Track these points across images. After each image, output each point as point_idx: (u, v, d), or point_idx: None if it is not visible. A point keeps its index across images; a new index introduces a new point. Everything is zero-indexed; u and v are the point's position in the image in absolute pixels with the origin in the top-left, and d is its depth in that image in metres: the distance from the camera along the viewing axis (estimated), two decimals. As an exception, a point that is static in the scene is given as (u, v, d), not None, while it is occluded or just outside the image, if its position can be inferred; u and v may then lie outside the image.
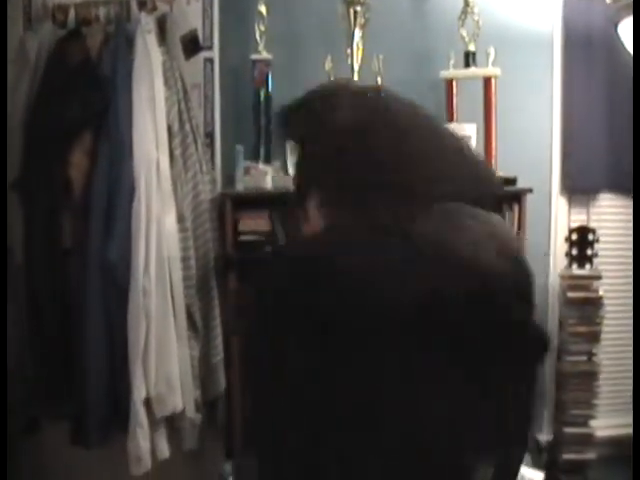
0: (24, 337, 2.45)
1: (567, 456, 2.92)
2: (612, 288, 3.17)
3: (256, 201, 2.63)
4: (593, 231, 2.91)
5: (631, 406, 3.01)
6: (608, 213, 3.22)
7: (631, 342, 3.18)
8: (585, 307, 2.89)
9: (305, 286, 1.08)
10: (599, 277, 2.92)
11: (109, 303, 2.37)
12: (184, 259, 2.44)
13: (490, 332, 1.06)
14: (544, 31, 3.08)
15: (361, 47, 2.80)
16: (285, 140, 2.69)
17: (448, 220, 1.11)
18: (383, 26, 2.86)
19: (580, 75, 3.07)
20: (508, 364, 1.11)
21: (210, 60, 2.85)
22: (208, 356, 2.55)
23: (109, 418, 2.36)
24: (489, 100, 2.83)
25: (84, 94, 2.48)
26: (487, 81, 2.83)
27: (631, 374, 3.02)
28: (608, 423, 3.19)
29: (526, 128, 3.04)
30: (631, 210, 3.22)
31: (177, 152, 2.50)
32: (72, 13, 2.63)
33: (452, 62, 2.88)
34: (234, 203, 2.60)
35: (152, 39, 2.53)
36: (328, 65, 2.75)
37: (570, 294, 2.89)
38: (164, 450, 2.37)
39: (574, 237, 2.91)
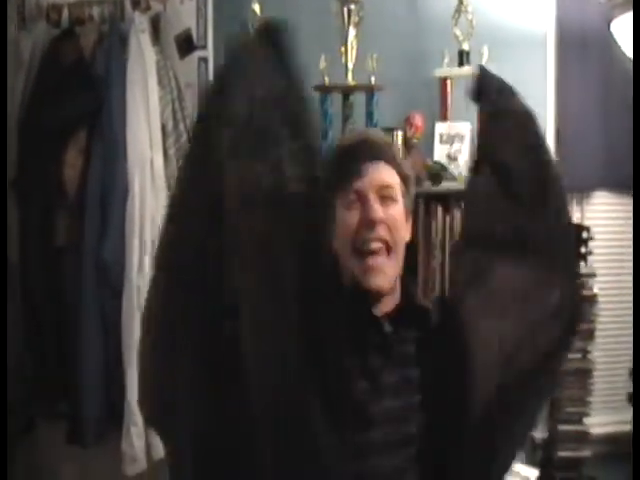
0: (20, 336, 2.45)
1: (562, 453, 2.92)
2: (606, 286, 3.18)
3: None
4: (587, 229, 2.92)
5: (626, 403, 3.03)
6: (602, 211, 3.23)
7: (626, 339, 3.19)
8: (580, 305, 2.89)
9: None
10: (593, 275, 2.92)
11: (103, 302, 2.38)
12: (178, 258, 2.44)
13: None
14: (538, 30, 3.09)
15: (355, 46, 2.80)
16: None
17: None
18: (377, 25, 2.86)
19: (574, 74, 3.08)
20: None
21: (204, 59, 2.85)
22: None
23: (104, 417, 2.37)
24: (483, 98, 2.83)
25: (78, 94, 2.49)
26: (481, 80, 2.83)
27: (625, 372, 3.04)
28: (603, 420, 3.20)
29: (520, 127, 3.04)
30: (625, 207, 3.23)
31: (171, 151, 2.51)
32: (66, 13, 2.64)
33: (446, 61, 2.88)
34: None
35: (146, 39, 2.54)
36: (322, 64, 2.74)
37: (564, 292, 2.90)
38: (159, 450, 2.37)
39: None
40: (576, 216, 3.15)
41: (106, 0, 2.62)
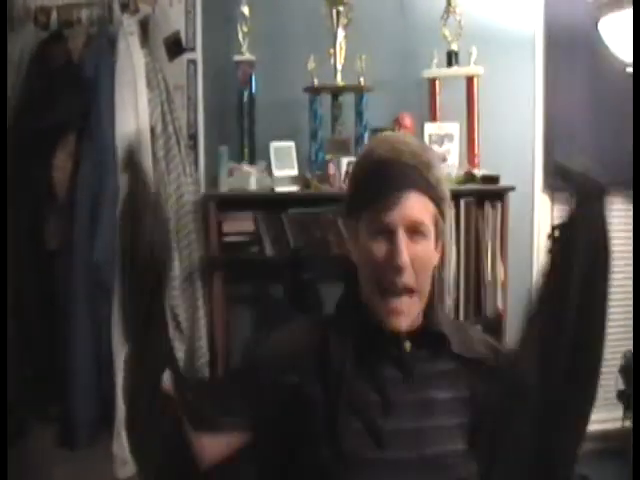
0: (11, 338, 2.45)
1: (552, 451, 2.93)
2: (595, 284, 3.19)
3: (240, 202, 2.63)
4: (576, 228, 2.93)
5: (616, 401, 3.04)
6: (591, 210, 3.24)
7: (615, 337, 3.19)
8: (568, 304, 2.90)
9: None
10: (582, 273, 2.93)
11: (94, 304, 2.37)
12: (168, 260, 2.44)
13: None
14: (526, 30, 3.10)
15: (344, 47, 2.81)
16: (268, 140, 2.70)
17: None
18: (366, 26, 2.86)
19: (562, 73, 3.08)
20: None
21: (193, 61, 2.85)
22: (193, 358, 2.55)
23: (95, 420, 2.36)
24: (471, 99, 2.84)
25: (67, 96, 2.49)
26: (470, 80, 2.85)
27: (615, 369, 3.05)
28: (593, 418, 3.20)
29: (509, 126, 3.06)
30: (616, 207, 3.25)
31: (160, 154, 2.52)
32: (54, 15, 2.63)
33: (435, 61, 2.90)
34: (218, 204, 2.60)
35: (134, 41, 2.54)
36: (311, 65, 2.75)
37: (553, 291, 2.91)
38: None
39: (556, 234, 2.92)
40: (564, 215, 3.16)
41: (94, 2, 2.60)
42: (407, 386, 1.19)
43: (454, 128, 2.83)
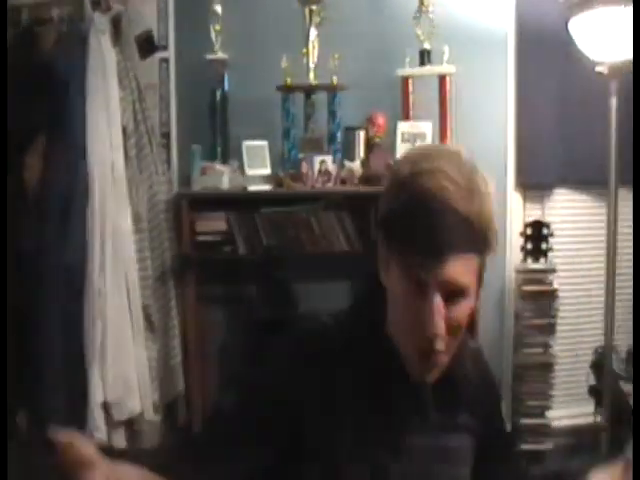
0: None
1: (525, 446, 2.96)
2: (566, 281, 3.23)
3: (213, 201, 2.63)
4: (547, 225, 2.96)
5: (587, 396, 3.08)
6: (562, 208, 3.27)
7: (586, 333, 3.26)
8: (540, 300, 2.93)
9: None
10: (554, 270, 2.97)
11: (65, 305, 2.36)
12: (140, 260, 2.44)
13: None
14: (498, 29, 3.11)
15: (317, 46, 2.81)
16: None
17: None
18: (339, 25, 2.87)
19: (534, 72, 3.10)
20: None
21: (165, 60, 2.85)
22: (166, 357, 2.55)
23: (66, 421, 2.34)
24: (444, 97, 2.86)
25: (37, 95, 2.47)
26: (442, 79, 2.86)
27: (586, 365, 3.09)
28: (564, 413, 3.25)
29: (481, 125, 3.07)
30: (585, 204, 3.28)
31: (132, 153, 2.51)
32: (25, 13, 2.61)
33: (408, 60, 2.90)
34: (191, 203, 2.59)
35: (106, 39, 2.52)
36: (284, 64, 2.75)
37: (525, 288, 2.94)
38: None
39: (529, 232, 2.96)
40: (536, 213, 3.19)
41: (66, 1, 2.59)
42: (421, 432, 1.11)
43: (427, 127, 2.85)
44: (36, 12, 2.61)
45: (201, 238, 2.60)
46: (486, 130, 3.09)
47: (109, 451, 0.91)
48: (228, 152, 2.75)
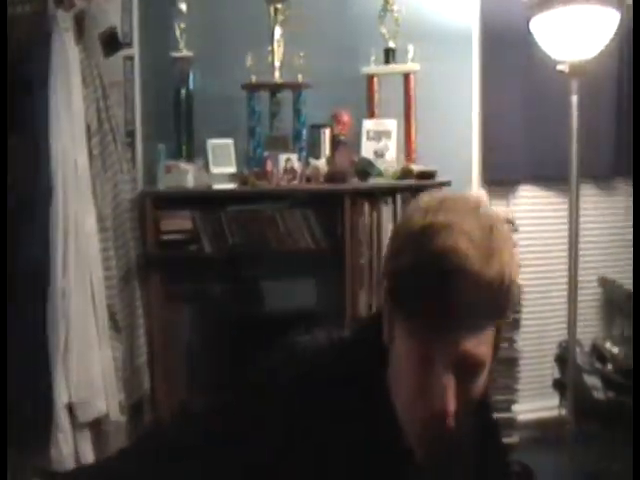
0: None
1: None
2: (531, 276, 3.27)
3: (178, 200, 2.62)
4: (512, 222, 2.99)
5: (551, 390, 3.13)
6: (527, 204, 3.31)
7: (550, 328, 3.31)
8: (505, 296, 2.97)
9: None
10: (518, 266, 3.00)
11: (28, 305, 2.33)
12: (105, 259, 2.42)
13: None
14: (463, 27, 3.15)
15: (282, 44, 2.81)
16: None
17: None
18: (304, 23, 2.86)
19: (498, 71, 3.14)
20: None
21: (130, 58, 2.83)
22: (132, 357, 2.53)
23: (31, 424, 2.32)
24: (409, 95, 2.88)
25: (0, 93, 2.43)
26: (407, 77, 2.88)
27: (551, 359, 3.13)
28: (530, 407, 3.29)
29: (446, 122, 3.10)
30: (549, 200, 3.33)
31: (96, 151, 2.48)
32: (-15, 10, 2.56)
33: (373, 59, 2.92)
34: (155, 202, 2.58)
35: (69, 37, 2.49)
36: (249, 62, 2.75)
37: (490, 284, 2.97)
38: (88, 455, 2.34)
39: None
40: (501, 209, 3.23)
41: (28, -2, 2.56)
42: None
43: (392, 124, 2.87)
44: (-2, 9, 2.57)
45: (166, 237, 2.58)
46: (451, 127, 3.12)
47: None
48: (193, 150, 2.74)
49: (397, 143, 2.87)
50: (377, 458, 0.97)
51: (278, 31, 2.81)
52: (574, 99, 2.67)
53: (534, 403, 3.33)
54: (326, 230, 2.68)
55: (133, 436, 2.52)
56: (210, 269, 2.63)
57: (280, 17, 2.81)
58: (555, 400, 3.08)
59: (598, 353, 3.22)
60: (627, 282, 3.40)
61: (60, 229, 2.31)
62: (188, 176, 2.61)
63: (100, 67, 2.62)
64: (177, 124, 2.75)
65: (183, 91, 2.76)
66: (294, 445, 0.96)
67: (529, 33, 2.74)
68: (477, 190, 3.18)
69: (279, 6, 2.80)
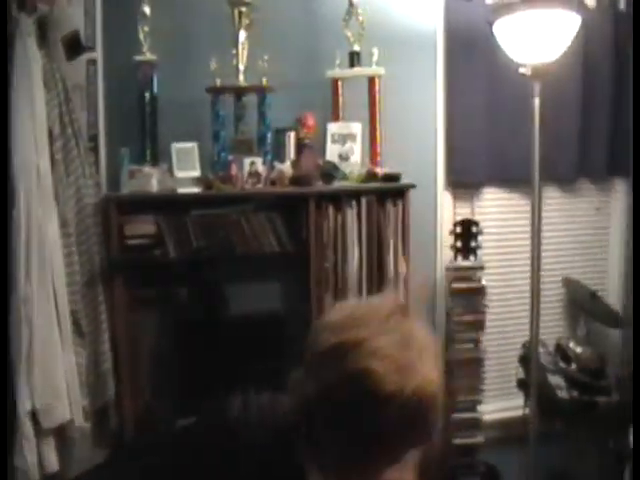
0: None
1: (457, 441, 3.03)
2: (497, 277, 3.31)
3: (142, 204, 2.60)
4: (476, 223, 3.03)
5: (516, 390, 3.16)
6: (491, 206, 3.35)
7: (514, 328, 3.34)
8: (469, 297, 3.00)
9: None
10: (482, 268, 3.04)
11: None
12: (68, 264, 2.40)
13: None
14: (427, 31, 3.17)
15: (247, 47, 2.81)
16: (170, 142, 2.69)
17: None
18: (269, 27, 2.87)
19: (462, 73, 3.17)
20: None
21: (93, 61, 2.80)
22: (96, 362, 2.52)
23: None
24: (373, 99, 2.90)
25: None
26: (371, 80, 2.90)
27: (515, 359, 3.17)
28: (495, 407, 3.33)
29: (411, 126, 3.13)
30: (513, 202, 3.37)
31: (58, 156, 2.46)
32: (-57, 14, 2.53)
33: (338, 62, 2.93)
34: (119, 207, 2.57)
35: (32, 41, 2.47)
36: (213, 66, 2.74)
37: (455, 285, 3.00)
38: (53, 462, 2.32)
39: (458, 230, 3.02)
40: (466, 211, 3.26)
41: (-11, 0, 2.52)
42: None
43: (356, 128, 2.89)
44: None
45: (130, 242, 2.57)
46: (416, 130, 3.15)
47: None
48: (157, 154, 2.73)
49: (362, 146, 2.88)
50: None
51: (242, 34, 2.80)
52: (536, 101, 2.71)
53: (499, 403, 3.37)
54: (291, 233, 2.68)
55: (98, 442, 2.51)
56: (175, 273, 2.62)
57: (245, 21, 2.81)
58: (520, 400, 3.12)
59: (562, 353, 3.26)
60: (590, 282, 3.46)
61: (22, 234, 2.28)
62: (152, 180, 2.60)
63: (63, 71, 2.60)
64: (141, 128, 2.73)
65: (147, 95, 2.74)
66: None
67: (492, 37, 2.77)
68: (441, 192, 3.21)
69: (243, 9, 2.79)
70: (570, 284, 3.44)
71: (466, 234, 3.03)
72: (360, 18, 2.93)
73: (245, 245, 2.63)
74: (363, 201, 2.74)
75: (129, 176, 2.61)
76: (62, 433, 2.37)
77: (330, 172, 2.76)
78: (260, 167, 2.69)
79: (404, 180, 2.84)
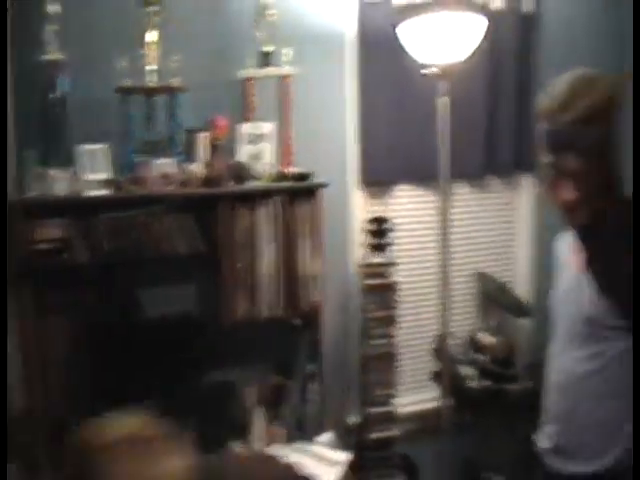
0: None
1: (374, 435, 3.09)
2: (409, 273, 3.39)
3: (49, 208, 2.55)
4: (387, 220, 3.09)
5: (429, 382, 3.25)
6: (404, 203, 3.42)
7: (426, 323, 3.43)
8: (382, 293, 3.06)
9: None
10: (394, 264, 3.10)
11: None
12: (-29, 271, 2.34)
13: None
14: (339, 32, 3.21)
15: (156, 47, 2.78)
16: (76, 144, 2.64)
17: None
18: (179, 26, 2.84)
19: (375, 74, 3.22)
20: None
21: None
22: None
23: None
24: (285, 99, 2.92)
25: None
26: (283, 80, 2.92)
27: (427, 353, 3.26)
28: (409, 400, 3.41)
29: (323, 125, 3.16)
30: (425, 199, 3.44)
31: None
32: None
33: (249, 62, 2.94)
34: (25, 210, 2.51)
35: None
36: (122, 65, 2.70)
37: (367, 281, 3.06)
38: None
39: (370, 227, 3.08)
40: (379, 209, 3.32)
41: None
42: None
43: (268, 128, 2.90)
44: None
45: (37, 246, 2.51)
46: (328, 130, 3.19)
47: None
48: (65, 156, 2.67)
49: (274, 146, 2.90)
50: None
51: (152, 34, 2.78)
52: (441, 101, 2.79)
53: (414, 396, 3.45)
54: (203, 234, 2.68)
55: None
56: (85, 278, 2.58)
57: (154, 19, 2.78)
58: (434, 392, 3.21)
59: (475, 344, 3.38)
60: (500, 275, 3.59)
61: None
62: (59, 183, 2.54)
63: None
64: (48, 129, 2.67)
65: (54, 95, 2.68)
66: None
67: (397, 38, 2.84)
68: (353, 191, 3.26)
69: (153, 9, 2.77)
70: (481, 277, 3.55)
71: (377, 231, 3.09)
72: (271, 18, 2.94)
73: (157, 247, 2.61)
74: (274, 201, 2.76)
75: (35, 179, 2.55)
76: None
77: (241, 173, 2.77)
78: (171, 168, 2.67)
79: (317, 179, 2.87)
